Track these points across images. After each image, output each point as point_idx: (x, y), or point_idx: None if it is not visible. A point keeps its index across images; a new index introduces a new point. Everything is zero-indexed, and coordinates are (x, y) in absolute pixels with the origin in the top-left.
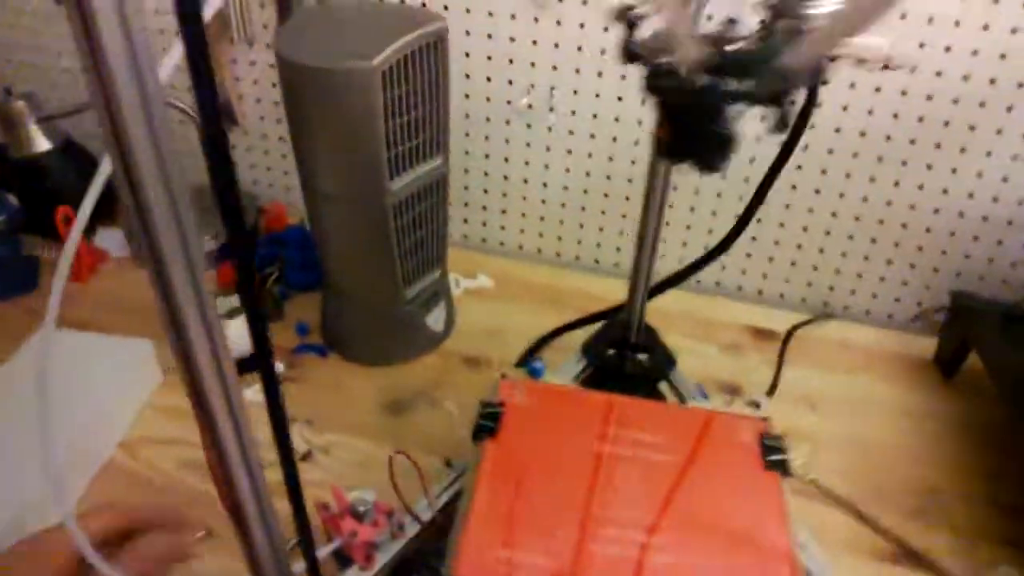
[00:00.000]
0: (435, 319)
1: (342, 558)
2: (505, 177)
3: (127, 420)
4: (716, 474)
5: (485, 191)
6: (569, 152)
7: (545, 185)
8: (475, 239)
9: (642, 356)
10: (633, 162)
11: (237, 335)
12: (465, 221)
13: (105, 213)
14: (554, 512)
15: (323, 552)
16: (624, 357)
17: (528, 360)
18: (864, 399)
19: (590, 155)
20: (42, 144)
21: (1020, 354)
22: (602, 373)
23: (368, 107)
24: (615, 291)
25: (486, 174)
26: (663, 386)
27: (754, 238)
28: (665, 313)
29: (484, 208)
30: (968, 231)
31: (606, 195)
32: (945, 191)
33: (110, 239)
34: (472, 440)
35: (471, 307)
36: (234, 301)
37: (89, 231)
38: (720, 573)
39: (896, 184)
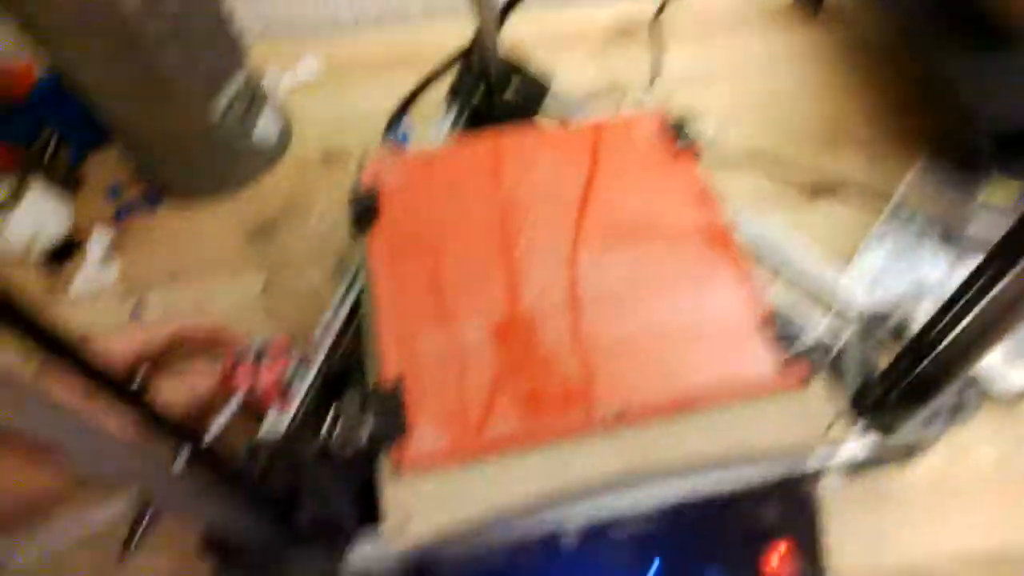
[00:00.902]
0: (263, 130)
1: (259, 413)
2: None
3: None
4: (630, 178)
5: None
6: None
7: None
8: (280, 22)
9: (509, 94)
10: None
11: (25, 223)
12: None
13: None
14: (473, 276)
15: (224, 416)
16: (491, 101)
17: (390, 131)
18: (747, 58)
19: None
20: None
21: None
22: (474, 121)
23: None
24: (457, 34)
25: None
26: (543, 120)
27: None
28: (517, 41)
29: None
30: None
31: None
32: None
33: None
34: (354, 238)
35: (305, 102)
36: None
37: None
38: (666, 273)
39: None
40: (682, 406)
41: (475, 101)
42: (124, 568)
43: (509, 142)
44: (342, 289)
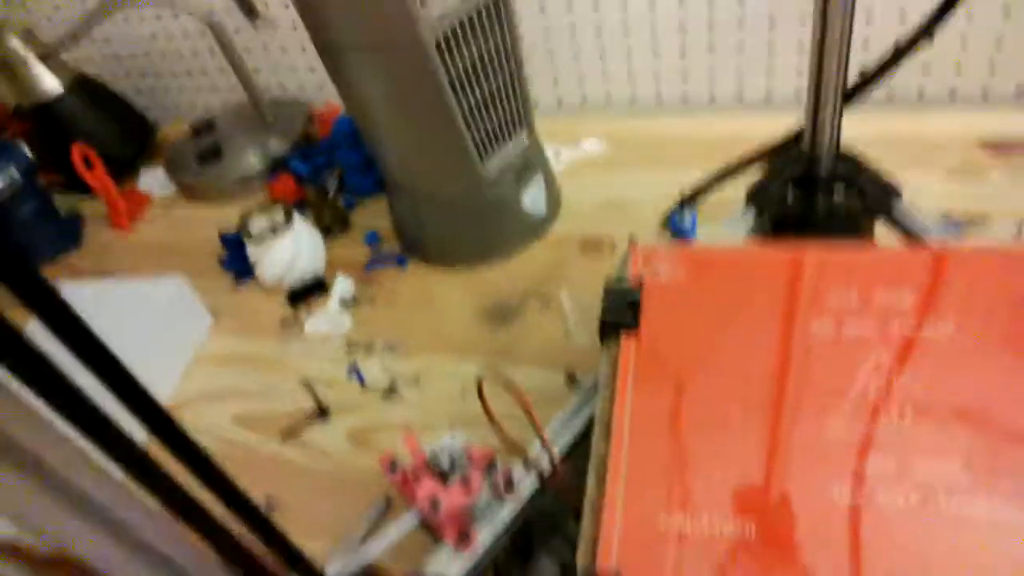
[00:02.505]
0: (532, 199)
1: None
2: (596, 9)
3: (176, 376)
4: (995, 341)
5: (573, 33)
6: None
7: (653, 9)
8: (572, 99)
9: (838, 197)
10: None
11: (284, 254)
12: (556, 81)
13: (145, 153)
14: (740, 445)
15: (388, 537)
16: (814, 197)
17: (672, 218)
18: None
19: None
20: (50, 85)
21: None
22: (781, 227)
23: None
24: (770, 128)
25: (570, 9)
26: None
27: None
28: (855, 141)
29: (575, 57)
30: None
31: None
32: None
33: (153, 179)
34: (600, 342)
35: (579, 181)
36: (278, 217)
37: (130, 173)
38: None
39: None
40: None
41: (788, 202)
42: None
43: (833, 259)
44: (570, 409)
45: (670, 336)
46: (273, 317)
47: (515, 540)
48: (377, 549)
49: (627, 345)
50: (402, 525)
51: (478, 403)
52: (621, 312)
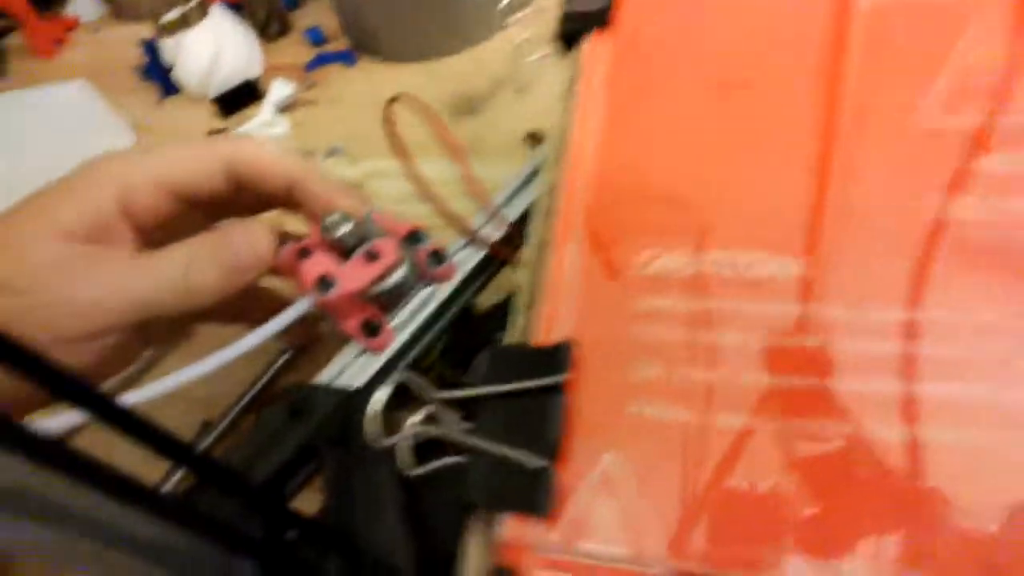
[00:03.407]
0: None
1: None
2: None
3: None
4: None
5: None
6: None
7: None
8: None
9: None
10: None
11: (203, 50)
12: None
13: None
14: (773, 162)
15: (251, 339)
16: None
17: None
18: None
19: None
20: None
21: None
22: None
23: None
24: None
25: None
26: None
27: None
28: None
29: None
30: None
31: None
32: None
33: (81, 3)
34: (564, 48)
35: None
36: (191, 6)
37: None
38: None
39: None
40: None
41: None
42: None
43: None
44: (528, 168)
45: (664, 28)
46: (202, 129)
47: (458, 337)
48: (231, 354)
49: (595, 43)
50: (279, 320)
51: (430, 206)
52: (585, 18)
